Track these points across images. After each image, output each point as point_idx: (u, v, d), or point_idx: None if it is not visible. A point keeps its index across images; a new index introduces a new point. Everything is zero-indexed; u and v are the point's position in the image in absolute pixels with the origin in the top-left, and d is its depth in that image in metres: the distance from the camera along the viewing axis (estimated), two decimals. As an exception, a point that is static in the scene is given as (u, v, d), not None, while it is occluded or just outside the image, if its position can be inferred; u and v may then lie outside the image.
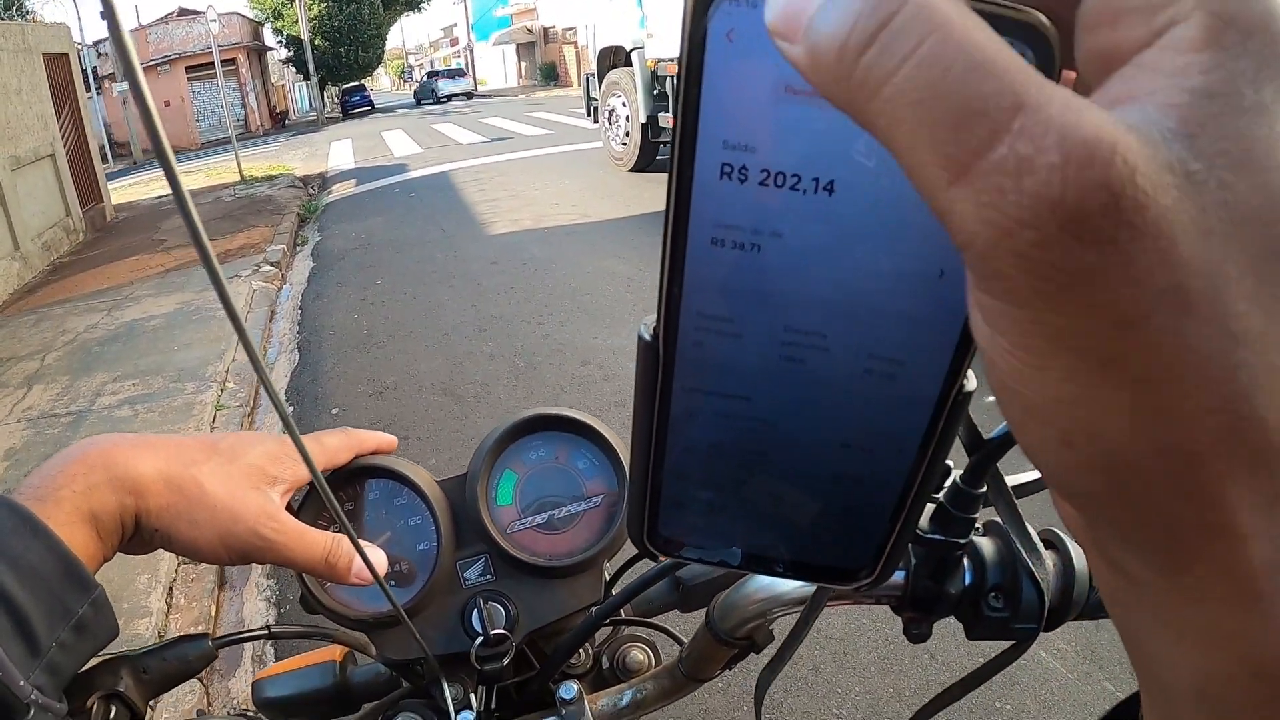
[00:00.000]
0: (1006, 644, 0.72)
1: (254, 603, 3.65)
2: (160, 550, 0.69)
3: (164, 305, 7.96)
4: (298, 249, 10.37)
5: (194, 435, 0.75)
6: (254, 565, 3.85)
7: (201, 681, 3.09)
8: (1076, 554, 0.70)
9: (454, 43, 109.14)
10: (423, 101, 53.01)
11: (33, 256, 10.76)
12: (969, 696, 0.77)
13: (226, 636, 0.78)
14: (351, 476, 0.84)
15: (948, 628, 0.75)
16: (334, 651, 0.97)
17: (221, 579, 3.80)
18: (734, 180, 0.30)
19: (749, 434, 0.36)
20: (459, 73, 54.29)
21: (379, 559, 0.75)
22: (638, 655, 0.98)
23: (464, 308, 7.06)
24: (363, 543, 0.73)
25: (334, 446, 0.80)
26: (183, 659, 0.74)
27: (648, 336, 0.35)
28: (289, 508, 0.78)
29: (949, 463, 0.53)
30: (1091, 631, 2.83)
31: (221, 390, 5.77)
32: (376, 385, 5.72)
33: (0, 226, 10.20)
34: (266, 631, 0.82)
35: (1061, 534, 0.72)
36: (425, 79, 55.30)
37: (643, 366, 0.36)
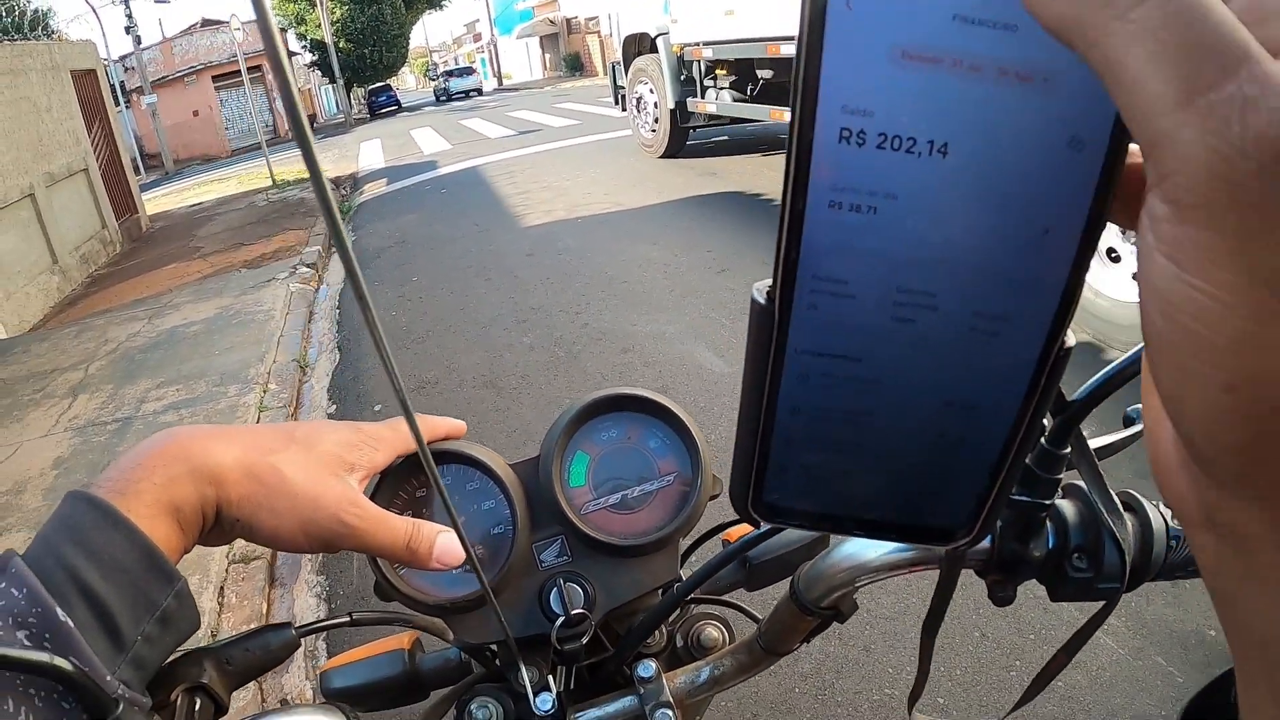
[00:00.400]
0: (1087, 607, 0.71)
1: (304, 599, 3.65)
2: (211, 549, 0.66)
3: (203, 311, 8.01)
4: (333, 250, 10.35)
5: (268, 424, 0.74)
6: (304, 561, 3.88)
7: (259, 685, 3.08)
8: (1154, 516, 0.70)
9: (477, 38, 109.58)
10: (440, 99, 54.98)
11: (71, 270, 10.89)
12: (1024, 675, 0.75)
13: (309, 625, 0.77)
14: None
15: (988, 604, 0.76)
16: (402, 640, 0.97)
17: (272, 577, 3.81)
18: (852, 144, 0.30)
19: (857, 395, 0.36)
20: (468, 70, 56.81)
21: (456, 545, 0.74)
22: (712, 632, 0.98)
23: (501, 300, 7.05)
24: (443, 528, 0.75)
25: (406, 432, 0.79)
26: (265, 648, 0.72)
27: (762, 300, 0.35)
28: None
29: (1045, 420, 0.54)
30: (1142, 605, 2.79)
31: (264, 392, 5.79)
32: (418, 381, 5.72)
33: (38, 241, 10.33)
34: (349, 619, 0.81)
35: (1139, 496, 0.72)
36: (442, 79, 57.63)
37: (756, 330, 0.36)
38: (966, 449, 0.37)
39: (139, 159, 30.98)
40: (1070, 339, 0.34)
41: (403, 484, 0.82)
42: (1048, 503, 0.67)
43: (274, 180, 16.81)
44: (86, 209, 12.41)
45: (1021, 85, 0.29)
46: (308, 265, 9.08)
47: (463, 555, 0.74)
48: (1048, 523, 0.70)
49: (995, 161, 0.30)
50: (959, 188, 0.31)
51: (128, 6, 32.54)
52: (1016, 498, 0.66)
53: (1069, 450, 0.65)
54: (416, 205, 12.45)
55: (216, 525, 0.67)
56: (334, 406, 5.67)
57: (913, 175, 0.30)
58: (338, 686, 0.94)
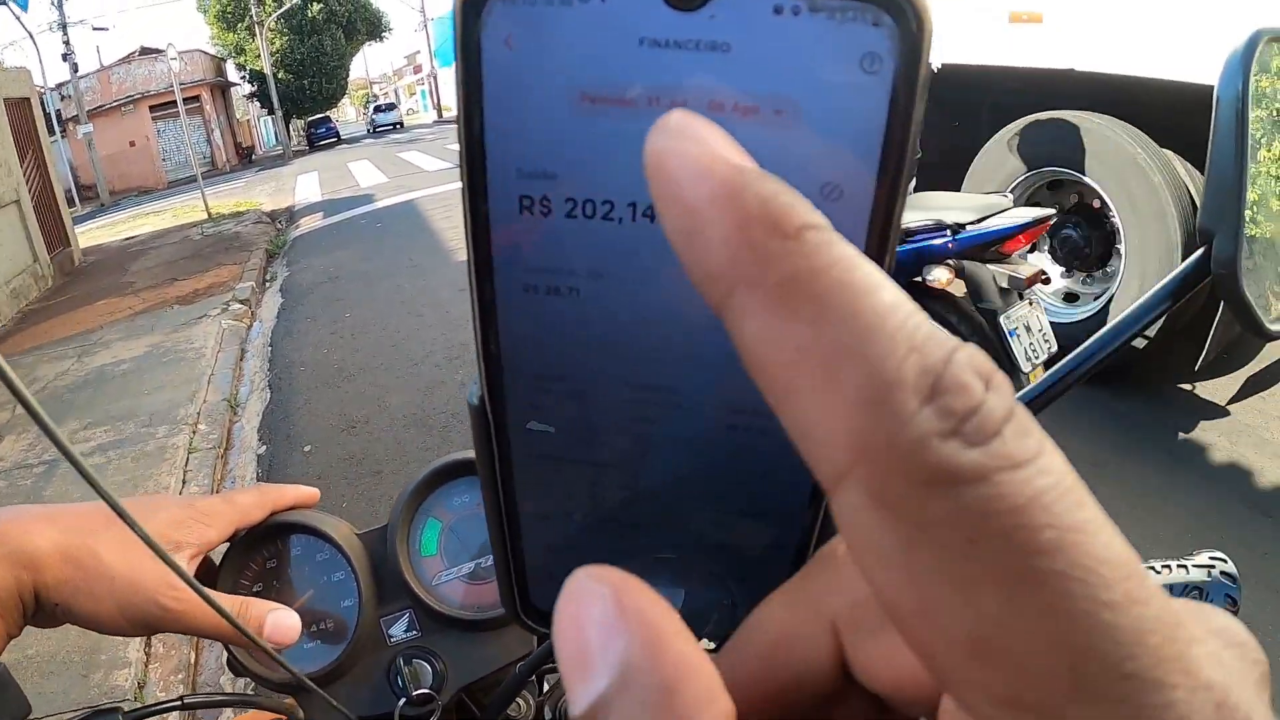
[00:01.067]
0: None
1: (232, 646, 3.61)
2: None
3: (133, 349, 7.92)
4: (266, 285, 10.33)
5: (93, 504, 0.72)
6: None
7: (180, 731, 3.08)
8: None
9: (417, 69, 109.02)
10: (369, 132, 57.73)
11: (1, 305, 10.70)
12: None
13: (140, 709, 0.76)
14: (272, 533, 0.81)
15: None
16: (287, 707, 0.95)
17: (198, 623, 3.77)
18: (535, 214, 0.26)
19: (613, 502, 0.32)
20: (391, 106, 59.73)
21: (290, 624, 0.73)
22: None
23: (433, 336, 7.04)
24: (273, 605, 0.73)
25: (246, 505, 0.78)
26: None
27: (475, 401, 0.31)
28: (202, 573, 0.77)
29: None
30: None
31: (193, 433, 5.74)
32: (348, 420, 5.70)
33: (-33, 277, 10.16)
34: (180, 702, 0.80)
35: None
36: (371, 114, 60.65)
37: (476, 434, 0.31)
38: (757, 558, 0.32)
39: (74, 190, 30.47)
40: None
41: (251, 557, 0.80)
42: None
43: (209, 213, 16.61)
44: (18, 242, 12.20)
45: (746, 122, 0.24)
46: (240, 301, 9.00)
47: (297, 633, 0.72)
48: None
49: None
50: (676, 258, 0.24)
51: (65, 33, 32.10)
52: None
53: None
54: (351, 240, 12.38)
55: (39, 609, 0.66)
56: (264, 447, 5.63)
57: (615, 246, 0.26)
58: None
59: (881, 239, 0.25)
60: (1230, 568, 0.63)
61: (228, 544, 0.79)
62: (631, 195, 0.25)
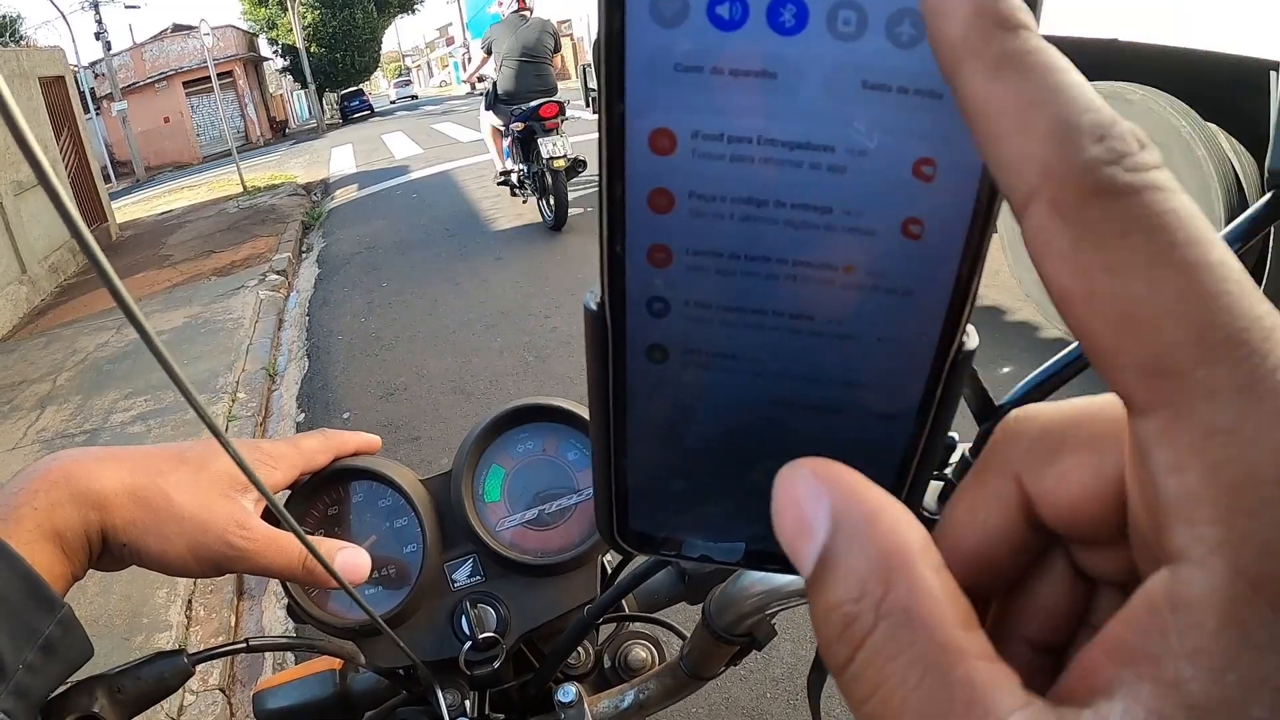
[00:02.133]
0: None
1: (274, 610, 3.64)
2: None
3: (172, 320, 7.98)
4: (303, 256, 10.39)
5: (160, 446, 0.72)
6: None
7: (224, 693, 3.08)
8: None
9: (450, 42, 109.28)
10: (392, 103, 61.78)
11: (40, 280, 10.82)
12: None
13: (203, 652, 0.76)
14: (334, 479, 0.81)
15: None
16: (334, 660, 0.95)
17: (240, 589, 3.80)
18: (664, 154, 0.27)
19: (718, 412, 0.31)
20: (406, 81, 65.01)
21: (361, 562, 0.72)
22: (640, 653, 0.95)
23: (471, 305, 7.03)
24: (342, 544, 0.73)
25: (311, 449, 0.78)
26: (158, 677, 0.72)
27: (593, 307, 0.30)
28: (263, 517, 0.75)
29: (953, 435, 0.50)
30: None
31: (233, 401, 5.77)
32: (387, 387, 5.71)
33: (6, 252, 10.25)
34: (245, 645, 0.79)
35: None
36: (395, 89, 66.61)
37: (590, 341, 0.31)
38: (860, 467, 0.29)
39: (110, 166, 30.78)
40: (972, 339, 0.30)
41: (313, 502, 0.80)
42: None
43: (244, 187, 16.72)
44: (55, 218, 12.20)
45: (898, 49, 0.26)
46: (277, 272, 9.04)
47: (367, 572, 0.73)
48: None
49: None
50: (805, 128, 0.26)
51: (97, 12, 32.38)
52: (937, 516, 0.55)
53: None
54: (387, 211, 12.40)
55: (106, 551, 0.65)
56: (302, 415, 5.65)
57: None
58: (270, 708, 0.93)
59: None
60: None
61: (289, 490, 0.78)
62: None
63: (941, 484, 0.60)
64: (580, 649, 0.91)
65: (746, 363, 0.30)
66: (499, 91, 8.96)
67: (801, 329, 0.29)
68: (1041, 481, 0.27)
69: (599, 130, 0.27)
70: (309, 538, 0.69)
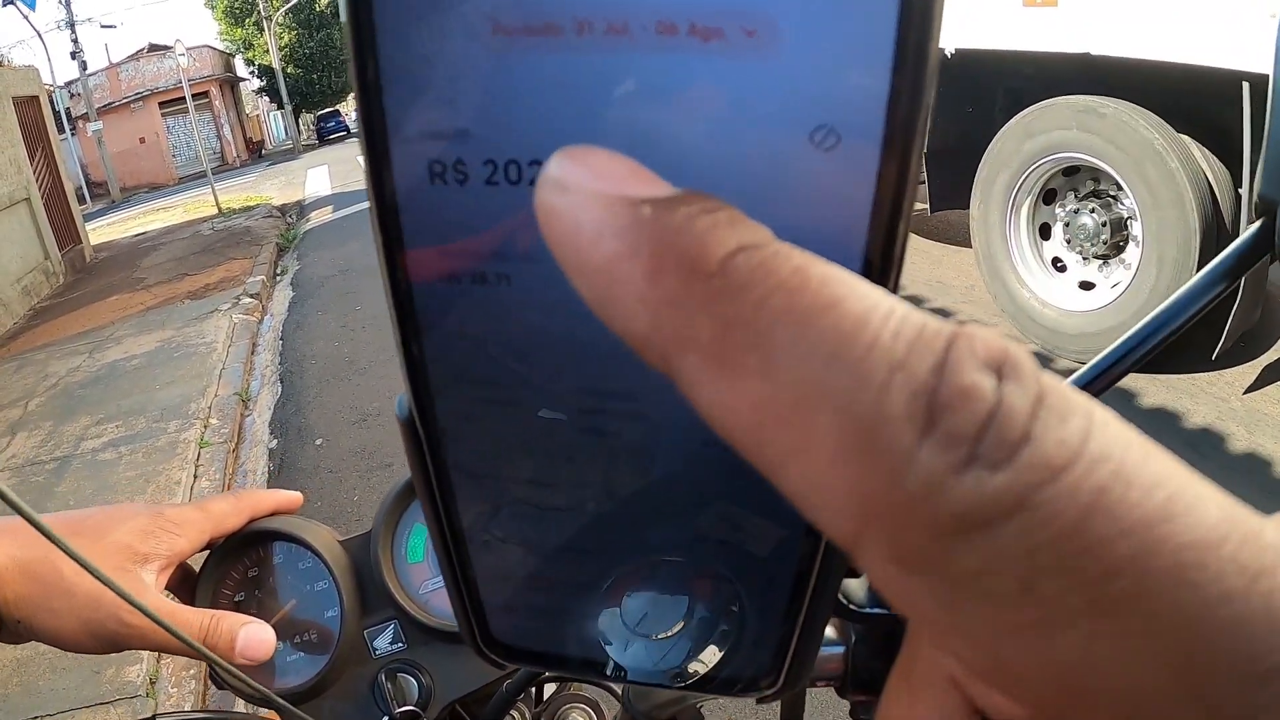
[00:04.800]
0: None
1: (245, 641, 3.60)
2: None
3: (144, 344, 7.92)
4: (277, 279, 10.34)
5: (61, 513, 0.70)
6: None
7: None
8: None
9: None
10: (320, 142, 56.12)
11: (13, 302, 10.72)
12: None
13: None
14: (253, 540, 0.78)
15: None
16: None
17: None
18: (450, 183, 0.21)
19: (566, 529, 0.27)
20: (335, 114, 54.40)
21: (264, 638, 0.70)
22: (577, 718, 0.91)
23: (445, 329, 6.95)
24: (246, 619, 0.70)
25: (220, 513, 0.75)
26: None
27: (403, 415, 0.26)
28: (180, 582, 0.74)
29: None
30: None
31: (205, 427, 5.74)
32: (360, 413, 5.69)
33: (-22, 274, 10.18)
34: (153, 718, 0.75)
35: None
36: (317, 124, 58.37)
37: (408, 449, 0.27)
38: (744, 589, 0.27)
39: (85, 187, 30.57)
40: None
41: (233, 564, 0.77)
42: None
43: (220, 208, 16.60)
44: (29, 239, 12.21)
45: (708, 49, 0.19)
46: (251, 295, 9.00)
47: (271, 648, 0.70)
48: None
49: (683, 183, 0.19)
50: None
51: (73, 31, 32.18)
52: (868, 611, 0.51)
53: None
54: (362, 232, 12.24)
55: (3, 625, 0.63)
56: (275, 440, 5.62)
57: None
58: None
59: (896, 195, 0.19)
60: None
61: (207, 552, 0.76)
62: None
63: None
64: (516, 713, 0.89)
65: (585, 497, 0.26)
66: None
67: (641, 446, 0.25)
68: (987, 699, 0.20)
69: (366, 178, 0.23)
70: (195, 615, 0.68)
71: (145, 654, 3.34)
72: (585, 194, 0.17)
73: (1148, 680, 0.14)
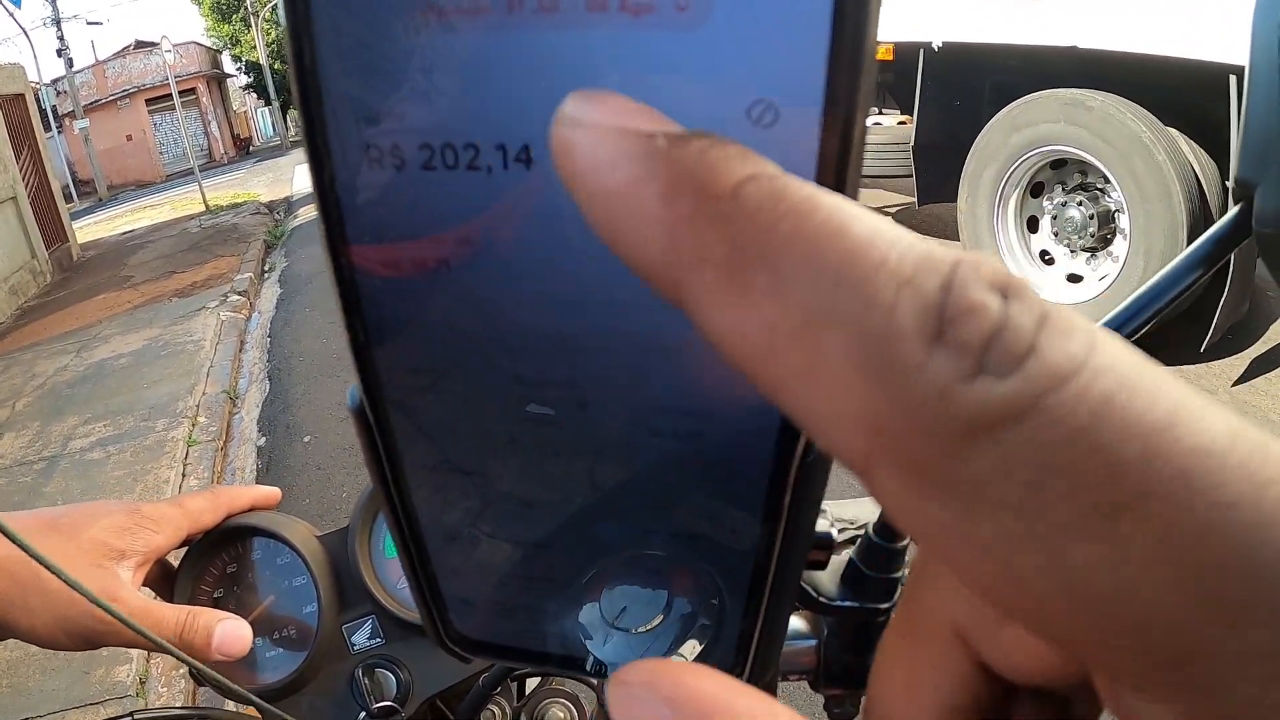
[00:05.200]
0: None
1: (234, 640, 3.60)
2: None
3: (132, 343, 7.91)
4: (265, 276, 10.32)
5: (38, 510, 0.70)
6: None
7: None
8: None
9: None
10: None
11: (0, 302, 10.69)
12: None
13: None
14: (230, 537, 0.78)
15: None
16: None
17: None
18: (386, 168, 0.21)
19: (519, 521, 0.26)
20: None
21: (241, 634, 0.70)
22: (557, 713, 0.91)
23: (434, 325, 6.96)
24: (223, 615, 0.70)
25: (197, 509, 0.75)
26: None
27: (354, 405, 0.26)
28: (159, 578, 0.74)
29: (830, 531, 0.44)
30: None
31: (193, 425, 5.73)
32: (348, 410, 5.65)
33: (-35, 274, 10.15)
34: (130, 717, 0.74)
35: None
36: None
37: (361, 440, 0.26)
38: (700, 586, 0.27)
39: (72, 185, 30.46)
40: None
41: (212, 560, 0.77)
42: (884, 606, 0.51)
43: (207, 205, 16.58)
44: (15, 239, 12.17)
45: (638, 24, 0.18)
46: (239, 293, 8.98)
47: (248, 644, 0.69)
48: None
49: None
50: (562, 216, 0.20)
51: (59, 28, 32.07)
52: (840, 604, 0.51)
53: (907, 541, 0.49)
54: (351, 229, 12.30)
55: None
56: (264, 438, 5.62)
57: (485, 202, 0.21)
58: None
59: (839, 167, 0.19)
60: None
61: (185, 548, 0.76)
62: (498, 134, 0.20)
63: (846, 564, 0.52)
64: (496, 708, 0.88)
65: (534, 488, 0.26)
66: None
67: (585, 434, 0.24)
68: (991, 646, 0.21)
69: (308, 164, 0.22)
70: (172, 612, 0.68)
71: (135, 654, 3.34)
72: (601, 128, 0.17)
73: (1158, 585, 0.14)
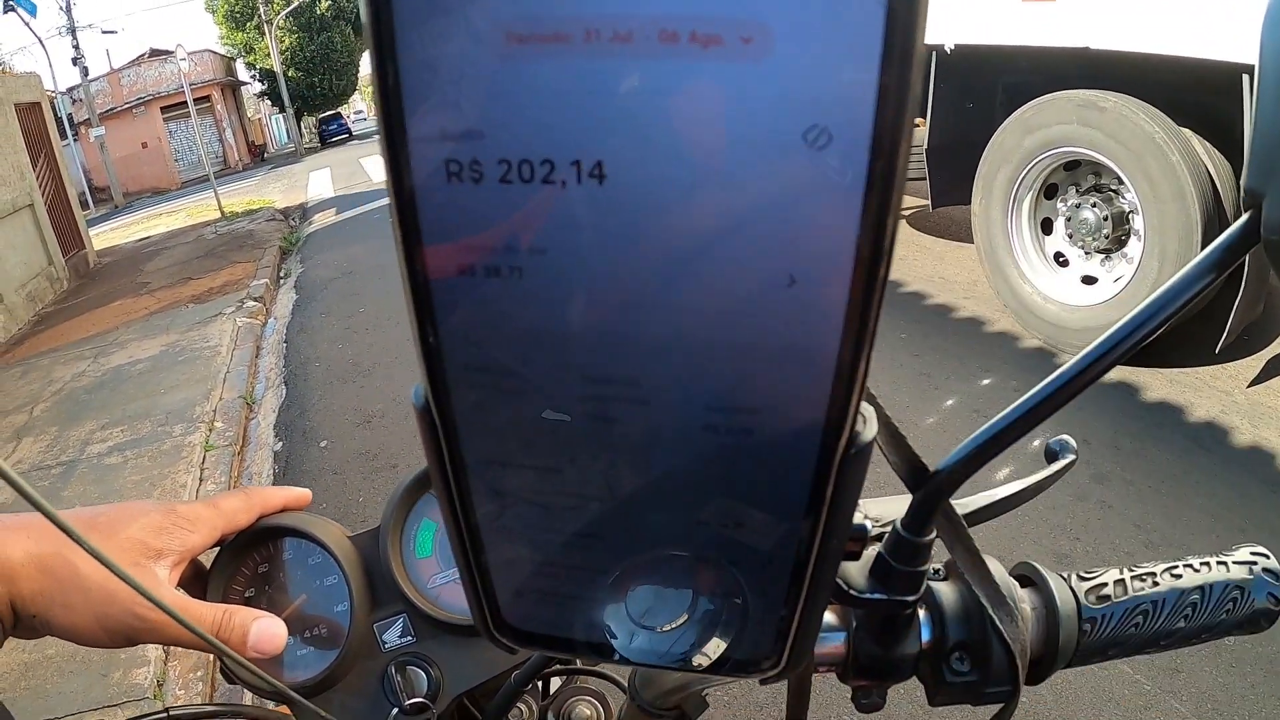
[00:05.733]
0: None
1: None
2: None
3: (149, 349, 7.94)
4: (281, 282, 10.36)
5: (75, 509, 0.69)
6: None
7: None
8: (1060, 592, 0.57)
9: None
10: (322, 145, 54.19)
11: (17, 309, 10.74)
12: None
13: None
14: (262, 537, 0.79)
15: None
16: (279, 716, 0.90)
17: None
18: (465, 181, 0.22)
19: (574, 514, 0.28)
20: (338, 116, 53.99)
21: (276, 632, 0.70)
22: (584, 711, 0.91)
23: (449, 330, 6.97)
24: (259, 613, 0.70)
25: (231, 509, 0.75)
26: None
27: (419, 402, 0.28)
28: (192, 578, 0.75)
29: (864, 522, 0.44)
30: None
31: (210, 430, 5.75)
32: (364, 415, 5.70)
33: (-17, 280, 10.20)
34: (165, 713, 0.74)
35: (1039, 567, 0.59)
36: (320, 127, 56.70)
37: (424, 439, 0.28)
38: (745, 573, 0.28)
39: (88, 193, 30.56)
40: (867, 428, 0.25)
41: (244, 560, 0.78)
42: (910, 599, 0.50)
43: (223, 212, 16.64)
44: (33, 246, 12.23)
45: (707, 55, 0.20)
46: (255, 299, 9.01)
47: (283, 642, 0.70)
48: (921, 614, 0.56)
49: (682, 180, 0.21)
50: (633, 226, 0.22)
51: (75, 37, 32.23)
52: (868, 596, 0.50)
53: (933, 535, 0.49)
54: (365, 234, 12.36)
55: (19, 621, 0.64)
56: (280, 443, 5.63)
57: (560, 215, 0.22)
58: None
59: (883, 191, 0.21)
60: (1274, 564, 0.57)
61: (218, 549, 0.76)
62: (574, 152, 0.21)
63: (875, 557, 0.52)
64: (524, 706, 0.89)
65: (591, 482, 0.27)
66: None
67: (644, 430, 0.26)
68: None
69: (386, 175, 0.24)
70: (209, 610, 0.68)
71: (153, 656, 3.36)
72: None
73: None
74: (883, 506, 0.53)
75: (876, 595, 0.50)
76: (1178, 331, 4.08)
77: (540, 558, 0.30)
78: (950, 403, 4.34)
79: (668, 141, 0.21)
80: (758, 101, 0.20)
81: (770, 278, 0.22)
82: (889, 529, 0.50)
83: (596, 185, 0.22)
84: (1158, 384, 4.23)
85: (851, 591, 0.51)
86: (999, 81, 5.28)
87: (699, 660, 0.30)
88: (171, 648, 3.50)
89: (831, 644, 0.57)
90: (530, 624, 0.32)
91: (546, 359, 0.25)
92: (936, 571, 0.58)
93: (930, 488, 0.46)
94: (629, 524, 0.28)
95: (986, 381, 4.46)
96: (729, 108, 0.20)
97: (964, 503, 0.55)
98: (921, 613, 0.56)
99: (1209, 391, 4.13)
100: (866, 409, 0.25)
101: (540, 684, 0.94)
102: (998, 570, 0.55)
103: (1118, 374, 4.26)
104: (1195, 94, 4.06)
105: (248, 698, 2.53)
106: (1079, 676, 2.59)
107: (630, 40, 0.20)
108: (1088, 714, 2.48)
